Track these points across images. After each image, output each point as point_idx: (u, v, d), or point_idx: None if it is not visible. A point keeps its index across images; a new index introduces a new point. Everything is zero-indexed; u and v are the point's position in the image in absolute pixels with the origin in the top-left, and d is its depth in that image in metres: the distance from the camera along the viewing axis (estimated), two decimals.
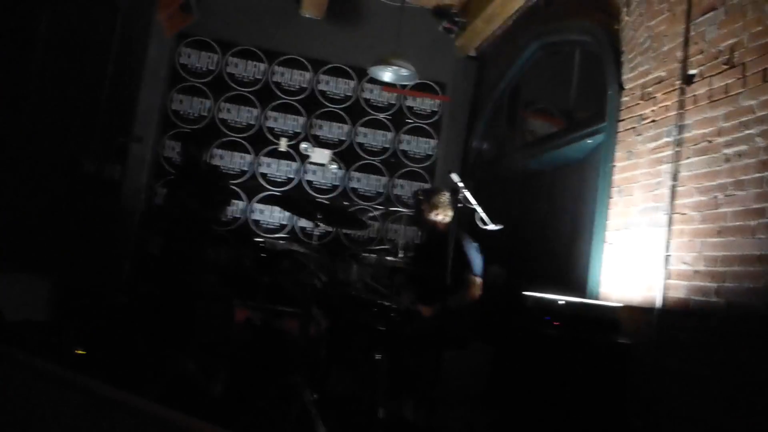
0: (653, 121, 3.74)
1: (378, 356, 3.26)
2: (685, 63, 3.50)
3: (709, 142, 3.23)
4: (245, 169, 6.56)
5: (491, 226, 3.61)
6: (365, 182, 6.78)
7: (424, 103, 6.94)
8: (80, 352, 4.09)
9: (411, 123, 6.89)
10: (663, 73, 3.70)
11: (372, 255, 5.23)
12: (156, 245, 5.18)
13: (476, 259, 3.99)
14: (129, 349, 4.10)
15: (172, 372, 3.51)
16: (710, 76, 3.29)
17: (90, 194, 5.74)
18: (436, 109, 6.95)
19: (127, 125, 6.10)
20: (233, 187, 6.42)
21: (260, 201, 6.55)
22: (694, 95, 3.40)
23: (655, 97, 3.75)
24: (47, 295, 5.10)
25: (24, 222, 5.42)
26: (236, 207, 6.49)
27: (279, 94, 6.69)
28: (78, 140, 5.86)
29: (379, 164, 6.81)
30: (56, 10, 5.91)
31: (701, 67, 3.38)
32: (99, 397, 2.11)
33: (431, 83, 6.93)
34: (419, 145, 6.90)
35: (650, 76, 3.83)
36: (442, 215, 4.13)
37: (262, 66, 6.68)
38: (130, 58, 6.21)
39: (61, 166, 5.74)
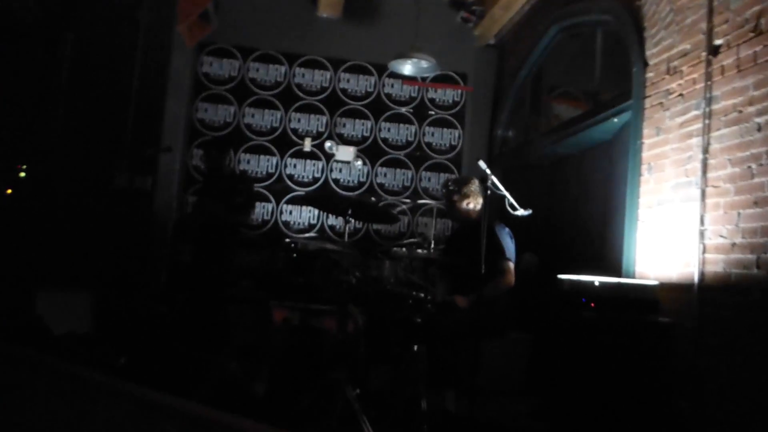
0: (680, 95, 3.68)
1: (416, 348, 3.27)
2: (710, 34, 3.44)
3: (740, 112, 3.17)
4: (272, 171, 6.62)
5: (521, 212, 3.60)
6: (391, 177, 6.79)
7: (446, 95, 6.93)
8: (124, 361, 4.17)
9: (434, 115, 6.88)
10: (688, 46, 3.64)
11: (403, 249, 5.23)
12: (187, 253, 5.26)
13: (509, 245, 3.96)
14: (171, 356, 4.17)
15: (216, 375, 3.57)
16: (737, 45, 3.22)
17: (123, 207, 5.85)
18: (458, 100, 6.93)
19: (155, 137, 6.19)
20: (261, 190, 6.48)
21: (288, 202, 6.61)
22: (722, 66, 3.34)
23: (681, 71, 3.69)
24: (88, 308, 5.21)
25: (62, 238, 5.56)
26: (265, 209, 6.55)
27: (301, 95, 6.73)
28: (108, 155, 5.97)
29: (404, 158, 6.81)
30: (80, 30, 6.03)
31: (727, 37, 3.32)
32: (146, 402, 2.16)
33: (452, 74, 6.91)
34: (444, 137, 6.88)
35: (675, 50, 3.77)
36: (474, 203, 4.11)
37: (283, 69, 6.73)
38: (154, 71, 6.31)
39: (93, 182, 5.86)
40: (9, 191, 5.80)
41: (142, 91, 6.27)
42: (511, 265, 3.90)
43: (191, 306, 4.86)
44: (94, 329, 5.10)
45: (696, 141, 3.49)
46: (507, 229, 4.03)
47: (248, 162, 6.59)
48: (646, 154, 4.01)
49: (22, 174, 5.91)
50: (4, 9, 5.63)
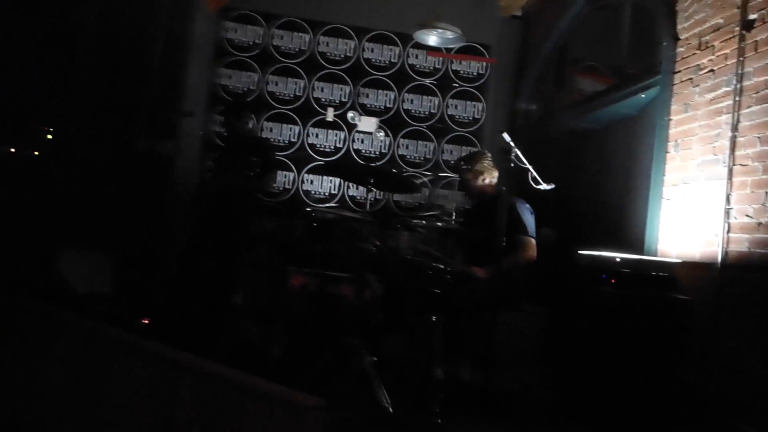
0: (711, 70, 3.60)
1: (434, 318, 3.28)
2: (744, 8, 3.36)
3: None
4: (294, 140, 6.62)
5: (543, 186, 3.57)
6: (413, 149, 6.75)
7: (471, 66, 6.84)
8: (145, 321, 4.24)
9: (457, 87, 6.81)
10: (720, 20, 3.55)
11: (422, 221, 5.22)
12: (202, 217, 5.31)
13: (529, 220, 3.95)
14: (189, 317, 4.23)
15: (234, 337, 3.62)
16: None
17: (145, 170, 5.90)
18: (482, 72, 6.85)
19: (177, 102, 6.21)
20: (282, 158, 6.49)
21: (310, 171, 6.61)
22: (755, 41, 3.26)
23: (712, 46, 3.61)
24: (110, 269, 5.30)
25: (85, 201, 5.63)
26: (286, 178, 6.57)
27: (324, 64, 6.69)
28: (131, 118, 6.01)
29: (426, 130, 6.77)
30: None
31: (762, 11, 3.23)
32: (163, 359, 2.20)
33: (476, 45, 6.81)
34: (466, 109, 6.81)
35: (707, 24, 3.68)
36: (489, 178, 4.09)
37: (307, 37, 6.68)
38: (177, 36, 6.31)
39: (116, 145, 5.91)
40: (36, 153, 5.88)
41: (165, 56, 6.28)
42: (532, 240, 3.89)
43: (208, 269, 4.92)
44: (115, 290, 5.18)
45: (725, 118, 3.43)
46: (527, 205, 4.02)
47: (270, 130, 6.58)
48: (673, 131, 3.95)
49: (49, 136, 5.98)
50: None
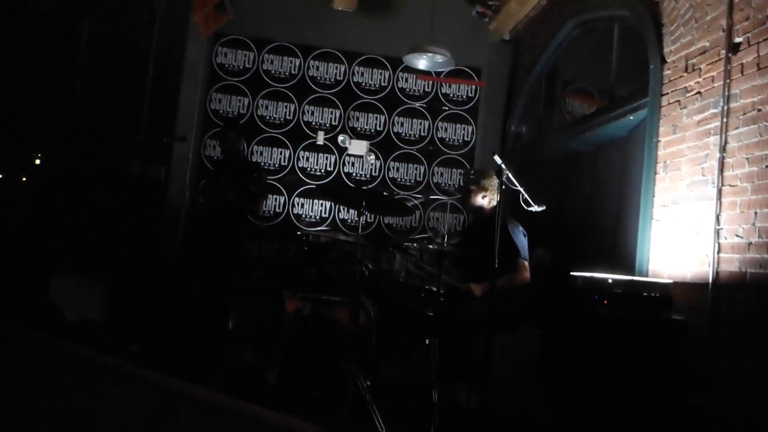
0: (698, 92, 3.66)
1: (428, 341, 3.28)
2: (730, 31, 3.42)
3: (759, 110, 3.15)
4: (284, 164, 6.63)
5: (535, 208, 3.59)
6: (404, 172, 6.78)
7: (460, 90, 6.90)
8: (136, 348, 4.20)
9: (447, 110, 6.86)
10: (707, 43, 3.62)
11: (414, 244, 5.23)
12: (196, 239, 5.30)
13: (522, 242, 3.97)
14: (183, 343, 4.20)
15: (229, 362, 3.59)
16: (757, 42, 3.20)
17: (137, 195, 5.89)
18: (472, 95, 6.91)
19: (170, 126, 6.22)
20: (273, 182, 6.50)
21: (301, 195, 6.62)
22: (741, 63, 3.31)
23: (699, 68, 3.67)
24: (101, 295, 5.25)
25: (76, 225, 5.60)
26: (277, 202, 6.57)
27: (314, 88, 6.73)
28: (123, 143, 6.01)
29: (417, 153, 6.80)
30: (97, 18, 6.07)
31: (747, 35, 3.29)
32: (159, 388, 2.17)
33: (466, 69, 6.88)
34: (457, 132, 6.87)
35: (694, 47, 3.74)
36: (489, 198, 4.11)
37: (297, 61, 6.73)
38: (169, 60, 6.34)
39: (108, 169, 5.90)
40: (24, 178, 5.85)
41: (157, 80, 6.31)
42: (526, 263, 3.91)
43: (203, 295, 4.89)
44: (106, 316, 5.14)
45: (713, 139, 3.47)
46: (520, 227, 4.05)
47: (261, 154, 6.60)
48: (662, 152, 3.99)
49: (37, 161, 5.96)
50: None
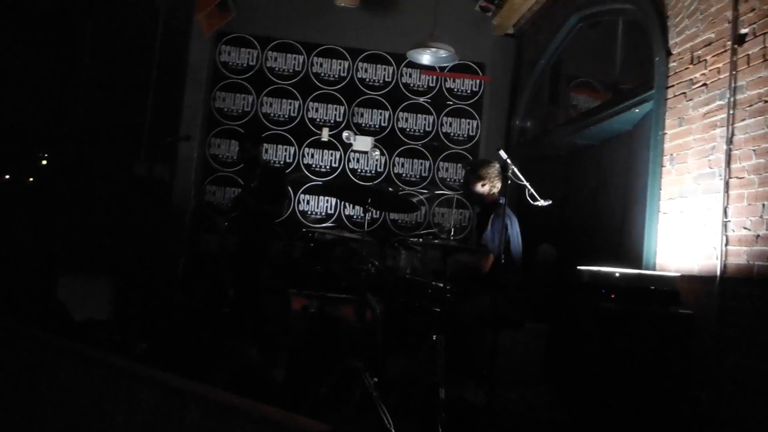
0: (704, 85, 3.63)
1: (435, 337, 3.27)
2: (735, 22, 3.39)
3: (766, 102, 3.12)
4: (289, 161, 6.63)
5: (541, 202, 3.58)
6: (409, 167, 6.77)
7: (465, 84, 6.89)
8: (143, 347, 4.22)
9: (452, 105, 6.85)
10: (712, 35, 3.59)
11: (420, 240, 5.22)
12: (214, 243, 5.35)
13: (496, 232, 3.82)
14: (190, 342, 4.21)
15: (236, 361, 3.60)
16: (764, 33, 3.17)
17: (142, 195, 5.91)
18: (476, 90, 6.89)
19: (174, 125, 6.23)
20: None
21: (306, 191, 6.62)
22: (747, 55, 3.29)
23: (705, 60, 3.64)
24: (108, 295, 5.27)
25: (83, 225, 5.62)
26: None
27: (318, 84, 6.72)
28: (128, 143, 6.02)
29: (421, 148, 6.79)
30: (100, 18, 6.07)
31: (753, 26, 3.26)
32: (167, 387, 2.18)
33: (470, 64, 6.86)
34: (461, 127, 6.85)
35: (699, 39, 3.72)
36: (489, 186, 4.08)
37: (301, 58, 6.72)
38: (173, 60, 6.34)
39: (114, 169, 5.92)
40: (30, 179, 5.88)
41: (161, 79, 6.32)
42: (490, 253, 3.79)
43: (211, 295, 4.92)
44: (113, 316, 5.16)
45: (720, 131, 3.45)
46: (509, 219, 3.86)
47: (266, 151, 6.60)
48: (668, 145, 3.97)
49: (44, 162, 5.98)
50: None
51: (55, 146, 5.95)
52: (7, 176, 6.02)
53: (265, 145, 6.56)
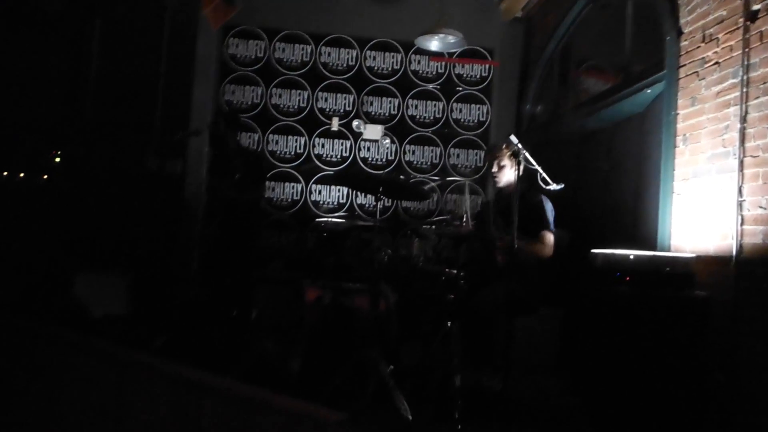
0: (716, 63, 3.59)
1: (449, 324, 3.28)
2: None
3: None
4: (300, 151, 6.64)
5: (553, 186, 3.56)
6: (420, 154, 6.75)
7: (474, 70, 6.84)
8: (160, 342, 4.25)
9: (461, 90, 6.81)
10: (724, 12, 3.54)
11: (433, 227, 5.21)
12: (212, 234, 5.32)
13: (550, 216, 3.96)
14: (206, 336, 4.24)
15: (252, 353, 3.63)
16: None
17: (154, 190, 5.94)
18: (486, 74, 6.85)
19: (184, 120, 6.25)
20: (289, 169, 6.51)
21: (317, 182, 6.62)
22: (760, 32, 3.24)
23: (717, 39, 3.59)
24: (124, 290, 5.32)
25: (97, 222, 5.67)
26: (294, 189, 6.58)
27: (327, 74, 6.71)
28: (139, 139, 6.06)
29: (432, 135, 6.77)
30: (108, 16, 6.09)
31: (765, 2, 3.22)
32: (184, 380, 2.20)
33: (479, 49, 6.82)
34: (471, 113, 6.82)
35: (710, 17, 3.66)
36: (496, 160, 4.08)
37: (309, 48, 6.71)
38: (181, 55, 6.36)
39: (126, 166, 5.96)
40: (44, 177, 5.93)
41: (170, 75, 6.34)
42: (551, 236, 3.90)
43: (224, 288, 4.93)
44: (130, 311, 5.20)
45: (733, 110, 3.41)
46: (550, 204, 4.02)
47: (276, 143, 6.61)
48: (680, 125, 3.93)
49: (57, 160, 6.03)
50: None
51: (68, 144, 6.00)
52: (22, 174, 6.08)
53: (276, 136, 6.54)
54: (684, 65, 3.92)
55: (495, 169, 4.10)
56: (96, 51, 6.11)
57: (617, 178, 4.91)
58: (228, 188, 4.88)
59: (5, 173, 6.01)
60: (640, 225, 4.38)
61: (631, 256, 3.41)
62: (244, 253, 5.09)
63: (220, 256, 5.12)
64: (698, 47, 3.78)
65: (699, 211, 3.67)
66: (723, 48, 3.53)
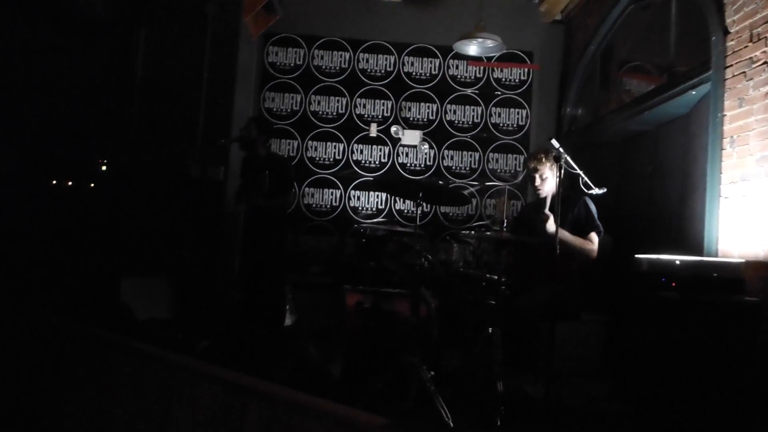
0: (765, 63, 3.49)
1: (490, 330, 3.25)
2: None
3: None
4: (339, 157, 6.68)
5: (596, 191, 3.51)
6: (458, 159, 6.73)
7: (513, 74, 6.80)
8: (204, 345, 4.32)
9: (500, 95, 6.77)
10: None
11: (472, 232, 5.19)
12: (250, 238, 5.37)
13: (591, 210, 3.92)
14: (249, 339, 4.28)
15: (295, 358, 3.65)
16: None
17: (198, 196, 6.05)
18: (525, 78, 6.80)
19: (226, 127, 6.35)
20: (329, 176, 6.56)
21: (356, 188, 6.66)
22: None
23: (765, 38, 3.50)
24: (169, 294, 5.42)
25: (143, 228, 5.80)
26: (333, 195, 6.63)
27: (365, 80, 6.75)
28: (182, 146, 6.18)
29: (471, 140, 6.74)
30: (152, 26, 6.24)
31: None
32: (229, 384, 2.23)
33: (518, 52, 6.77)
34: (510, 117, 6.77)
35: (758, 16, 3.57)
36: (538, 172, 4.03)
37: (347, 55, 6.76)
38: (223, 63, 6.48)
39: (170, 173, 6.08)
40: (91, 185, 6.09)
41: (212, 82, 6.46)
42: (597, 238, 3.86)
43: (263, 293, 4.99)
44: (174, 315, 5.30)
45: None
46: (594, 206, 3.98)
47: (315, 149, 6.67)
48: (727, 127, 3.83)
49: (103, 168, 6.19)
50: (80, 8, 5.88)
51: (114, 153, 6.15)
52: (70, 182, 6.26)
53: (315, 143, 6.60)
54: (731, 65, 3.82)
55: (538, 182, 4.03)
56: (141, 61, 6.26)
57: (661, 182, 4.81)
58: (256, 195, 4.94)
59: (54, 181, 6.20)
60: (685, 229, 4.29)
61: (678, 261, 3.33)
62: (274, 259, 5.13)
63: (250, 262, 5.19)
64: (746, 47, 3.68)
65: (747, 215, 3.57)
66: None
